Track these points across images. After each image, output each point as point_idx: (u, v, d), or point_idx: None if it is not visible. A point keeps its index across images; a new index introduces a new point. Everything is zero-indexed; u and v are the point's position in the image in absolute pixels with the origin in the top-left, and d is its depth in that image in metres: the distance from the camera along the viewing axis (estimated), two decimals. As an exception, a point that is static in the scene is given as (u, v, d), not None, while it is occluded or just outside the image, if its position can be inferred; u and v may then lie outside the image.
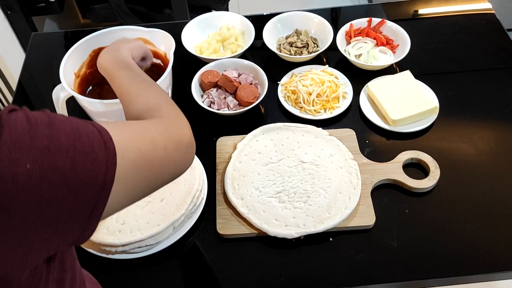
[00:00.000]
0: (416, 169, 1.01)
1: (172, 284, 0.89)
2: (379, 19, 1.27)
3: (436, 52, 1.26)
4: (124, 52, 0.84)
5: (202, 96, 1.15)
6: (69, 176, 0.43)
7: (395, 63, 1.20)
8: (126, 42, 0.89)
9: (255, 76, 1.15)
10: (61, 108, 1.01)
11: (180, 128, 0.63)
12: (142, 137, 0.56)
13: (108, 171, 0.47)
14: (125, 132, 0.54)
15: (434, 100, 1.11)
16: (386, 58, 1.21)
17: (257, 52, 1.28)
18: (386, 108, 1.08)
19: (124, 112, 0.73)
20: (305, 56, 1.21)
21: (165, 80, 1.03)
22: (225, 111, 1.11)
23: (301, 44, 1.24)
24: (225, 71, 1.16)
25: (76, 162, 0.44)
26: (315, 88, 1.12)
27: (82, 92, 1.12)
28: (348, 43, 1.26)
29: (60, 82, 1.00)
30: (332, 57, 1.25)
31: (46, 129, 0.44)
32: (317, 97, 1.11)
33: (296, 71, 1.20)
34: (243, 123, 1.11)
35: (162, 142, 0.57)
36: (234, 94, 1.13)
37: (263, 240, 0.92)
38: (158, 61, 1.15)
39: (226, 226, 0.93)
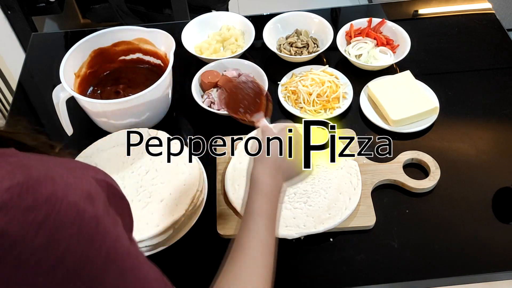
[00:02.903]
0: (416, 169, 1.01)
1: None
2: (379, 19, 1.27)
3: (436, 52, 1.26)
4: (283, 192, 0.74)
5: (202, 97, 1.15)
6: None
7: (395, 63, 1.20)
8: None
9: (255, 77, 1.15)
10: (61, 109, 1.01)
11: None
12: None
13: None
14: None
15: (434, 100, 1.11)
16: (386, 58, 1.21)
17: (257, 52, 1.28)
18: (386, 109, 1.08)
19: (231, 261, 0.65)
20: (305, 56, 1.21)
21: (165, 80, 1.03)
22: (225, 111, 1.10)
23: (301, 44, 1.24)
24: (225, 71, 1.16)
25: None
26: (315, 88, 1.12)
27: (82, 92, 1.11)
28: (348, 43, 1.26)
29: (60, 82, 1.00)
30: (332, 57, 1.25)
31: None
32: (317, 97, 1.11)
33: (296, 71, 1.20)
34: (243, 124, 1.11)
35: None
36: (234, 94, 1.13)
37: (263, 240, 0.92)
38: (158, 62, 1.16)
39: (227, 226, 0.93)
